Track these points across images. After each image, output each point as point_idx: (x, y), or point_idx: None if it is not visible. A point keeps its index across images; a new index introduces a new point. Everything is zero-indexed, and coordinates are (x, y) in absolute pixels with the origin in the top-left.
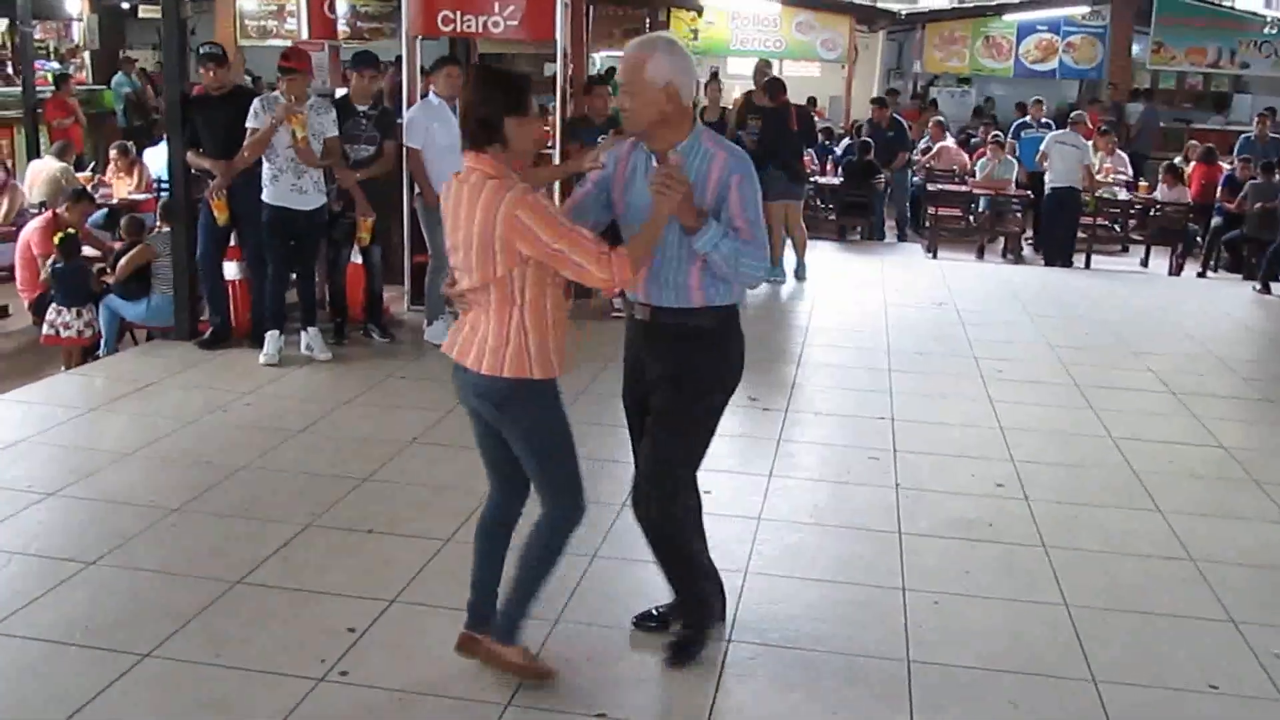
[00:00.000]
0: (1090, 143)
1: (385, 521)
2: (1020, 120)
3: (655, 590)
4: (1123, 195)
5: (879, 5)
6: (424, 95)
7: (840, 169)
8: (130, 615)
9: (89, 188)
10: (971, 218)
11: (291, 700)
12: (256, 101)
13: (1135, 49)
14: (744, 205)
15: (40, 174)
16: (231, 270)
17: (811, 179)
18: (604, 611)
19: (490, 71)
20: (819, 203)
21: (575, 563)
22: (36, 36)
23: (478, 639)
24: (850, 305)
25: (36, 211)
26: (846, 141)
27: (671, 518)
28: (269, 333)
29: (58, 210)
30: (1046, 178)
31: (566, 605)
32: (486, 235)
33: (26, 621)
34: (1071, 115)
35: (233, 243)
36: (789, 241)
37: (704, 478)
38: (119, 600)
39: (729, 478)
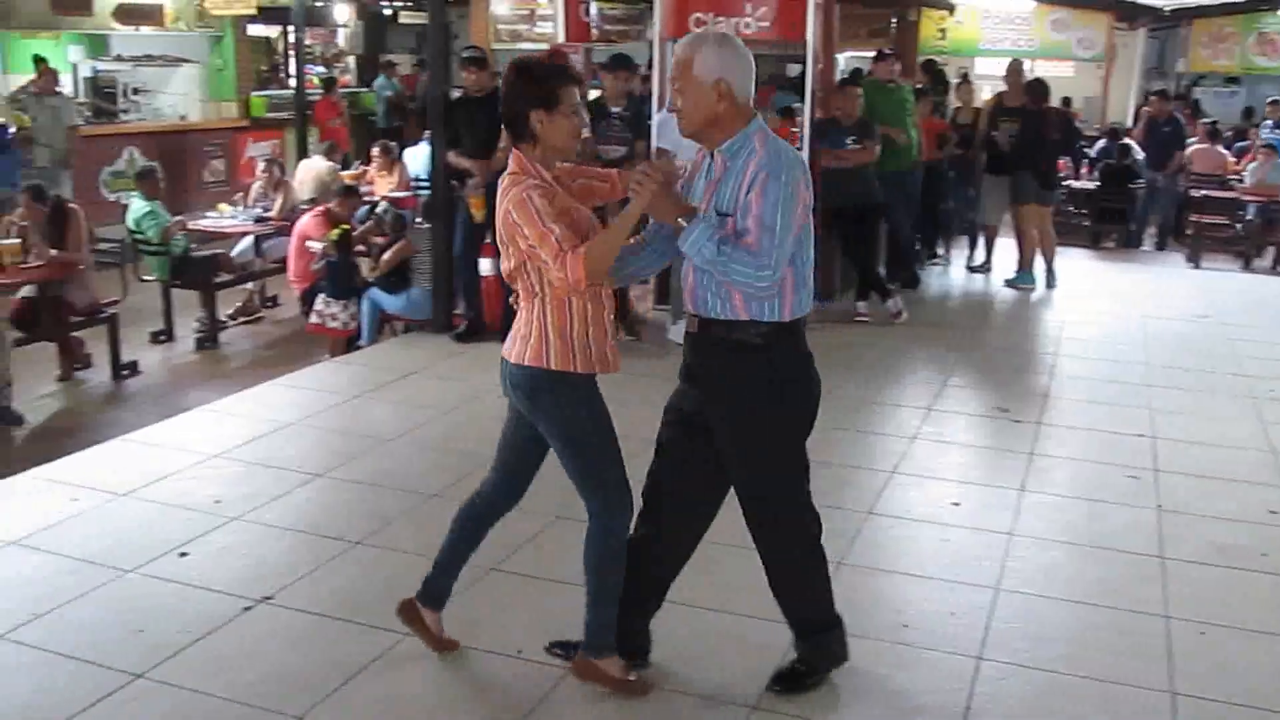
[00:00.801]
0: None
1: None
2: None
3: (900, 601)
4: None
5: (1140, 1)
6: None
7: (1096, 172)
8: (391, 594)
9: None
10: (1239, 226)
11: (542, 686)
12: (661, 115)
13: None
14: (760, 206)
15: (309, 172)
16: (486, 266)
17: (1064, 183)
18: (847, 616)
19: (520, 65)
20: (1072, 208)
21: None
22: (305, 43)
23: (416, 607)
24: (1105, 315)
25: (306, 208)
26: (1103, 143)
27: (781, 546)
28: None
29: (330, 206)
30: None
31: None
32: (501, 230)
33: (298, 594)
34: None
35: (488, 240)
36: (1025, 248)
37: (953, 489)
38: (381, 579)
39: (979, 490)
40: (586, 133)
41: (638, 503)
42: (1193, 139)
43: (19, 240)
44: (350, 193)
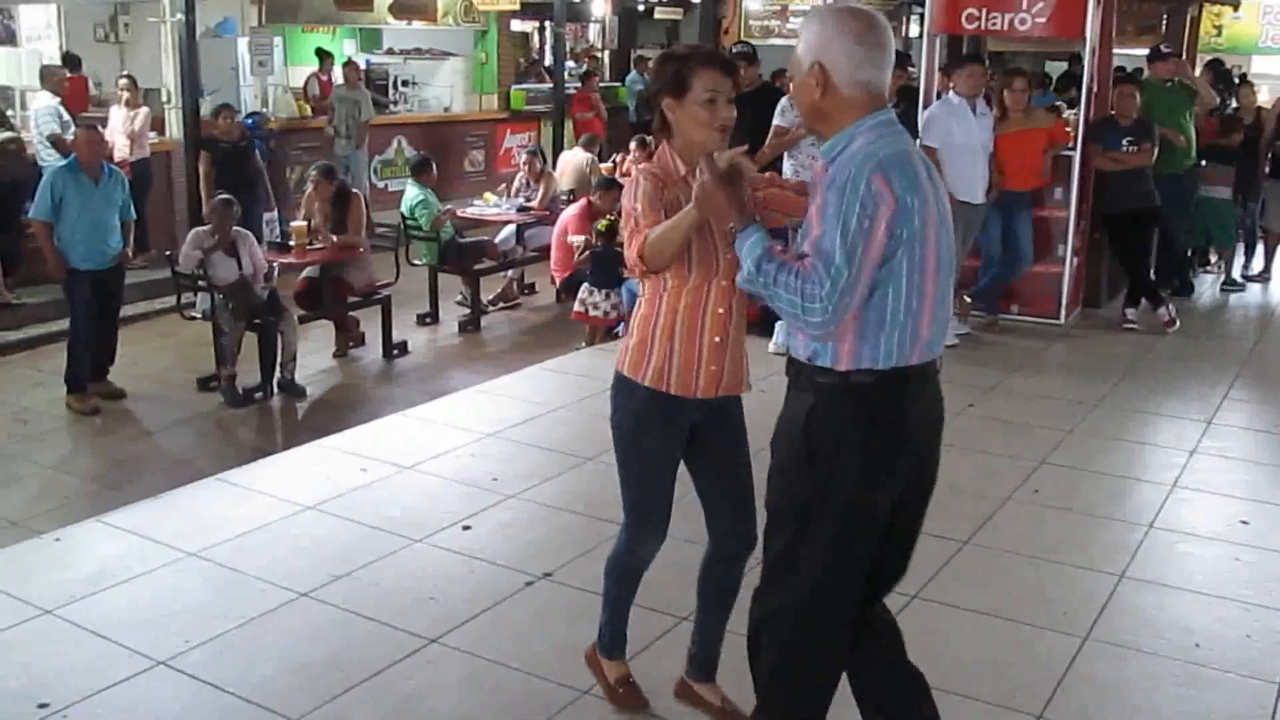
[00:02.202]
0: None
1: None
2: None
3: (1191, 619)
4: None
5: None
6: (940, 95)
7: None
8: (664, 576)
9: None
10: None
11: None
12: (784, 99)
13: None
14: (820, 225)
15: (569, 164)
16: None
17: None
18: (1134, 632)
19: (665, 51)
20: None
21: (1103, 581)
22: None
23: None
24: None
25: (566, 199)
26: None
27: (766, 682)
28: (779, 322)
29: (590, 198)
30: None
31: (1095, 624)
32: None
33: (575, 572)
34: None
35: None
36: None
37: (1241, 506)
38: (656, 564)
39: (1270, 509)
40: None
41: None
42: None
43: (306, 223)
44: (611, 184)
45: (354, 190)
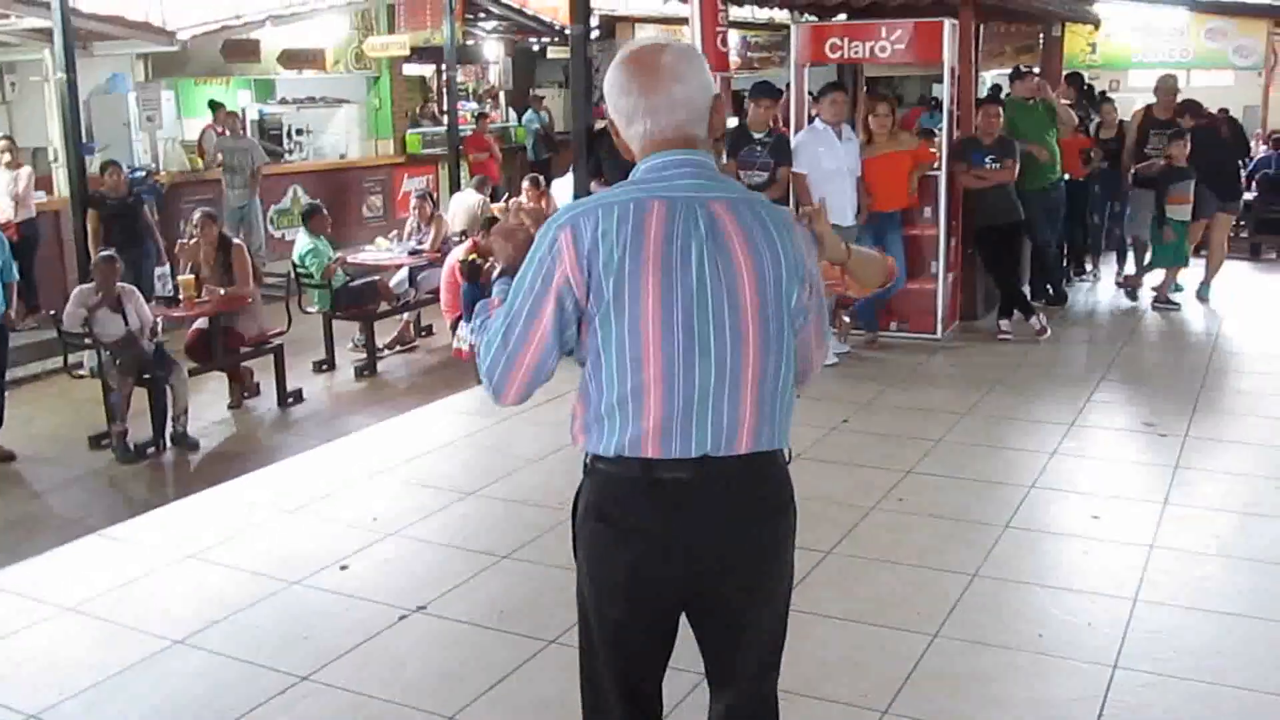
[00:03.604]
0: None
1: None
2: None
3: (1038, 611)
4: None
5: None
6: (810, 121)
7: (1256, 183)
8: (539, 604)
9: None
10: None
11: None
12: None
13: None
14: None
15: (462, 205)
16: None
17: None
18: (983, 626)
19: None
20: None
21: (958, 580)
22: (457, 80)
23: None
24: (1262, 328)
25: (458, 240)
26: (1263, 152)
27: None
28: None
29: (476, 239)
30: None
31: (945, 621)
32: None
33: (451, 604)
34: None
35: None
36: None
37: (1094, 503)
38: (529, 590)
39: (1121, 504)
40: (722, 159)
41: None
42: None
43: (193, 276)
44: (492, 224)
45: (236, 241)
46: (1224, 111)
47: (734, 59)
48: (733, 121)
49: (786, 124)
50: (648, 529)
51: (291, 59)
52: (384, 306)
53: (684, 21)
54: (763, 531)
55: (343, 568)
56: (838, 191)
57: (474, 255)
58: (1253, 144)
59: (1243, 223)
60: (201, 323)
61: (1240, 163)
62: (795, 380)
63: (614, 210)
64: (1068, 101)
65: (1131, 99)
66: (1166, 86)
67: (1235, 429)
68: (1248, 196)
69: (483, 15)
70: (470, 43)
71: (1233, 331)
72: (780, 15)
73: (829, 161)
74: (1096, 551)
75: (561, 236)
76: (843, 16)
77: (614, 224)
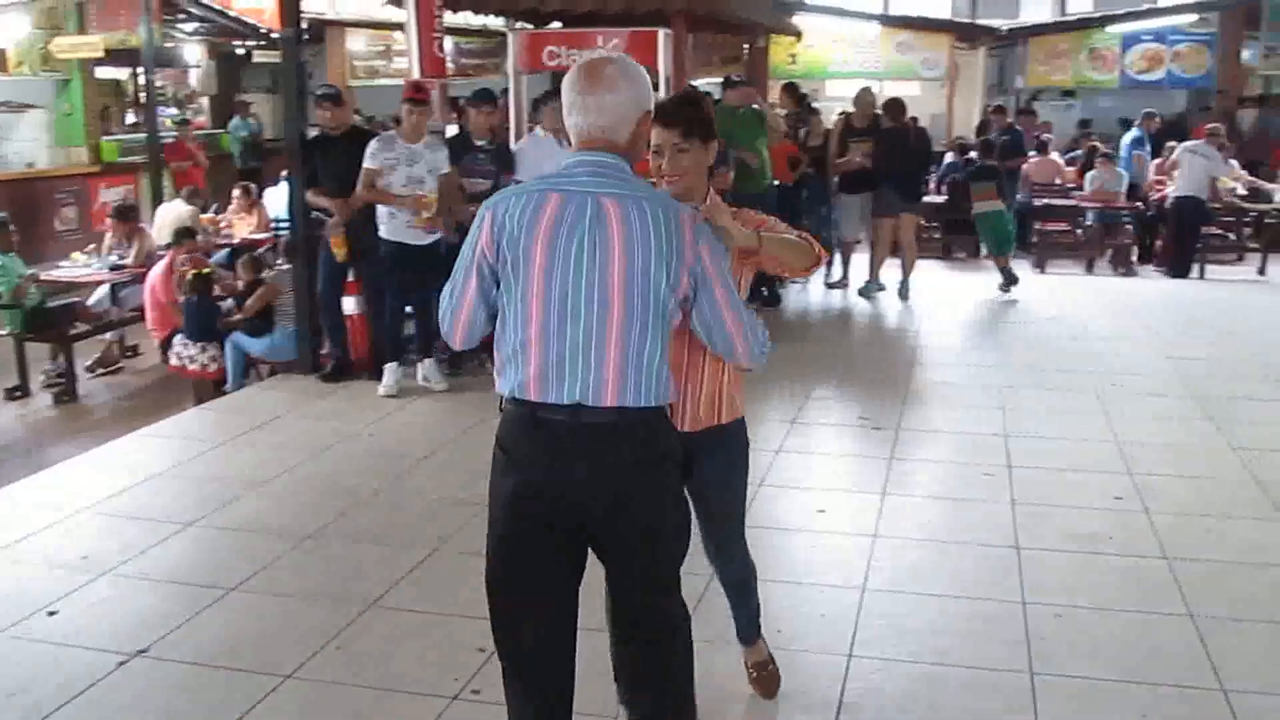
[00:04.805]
0: (1220, 155)
1: None
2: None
3: (773, 607)
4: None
5: (979, 22)
6: (530, 129)
7: (944, 187)
8: (272, 638)
9: (211, 228)
10: (1080, 231)
11: (427, 718)
12: (374, 142)
13: (1245, 55)
14: None
15: (169, 216)
16: (350, 305)
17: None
18: (720, 626)
19: None
20: (923, 221)
21: (695, 583)
22: (157, 84)
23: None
24: (959, 322)
25: (164, 254)
26: (950, 159)
27: None
28: (388, 365)
29: (194, 253)
30: (1171, 186)
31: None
32: None
33: (175, 645)
34: (1208, 128)
35: (350, 278)
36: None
37: (819, 498)
38: (261, 624)
39: (844, 497)
40: (448, 167)
41: None
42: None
43: None
44: (189, 235)
45: None
46: (914, 120)
47: (448, 65)
48: (453, 129)
49: (506, 131)
50: (530, 461)
51: None
52: (83, 326)
53: (397, 27)
54: (630, 478)
55: (51, 613)
56: None
57: (200, 269)
58: (951, 153)
59: (935, 224)
60: None
61: (924, 168)
62: (731, 360)
63: (522, 198)
64: (784, 111)
65: (831, 107)
66: (864, 100)
67: (941, 420)
68: (938, 200)
69: (183, 16)
70: (170, 45)
71: (932, 328)
72: (494, 22)
73: (550, 169)
74: (824, 544)
75: (485, 216)
76: (557, 24)
77: (519, 209)
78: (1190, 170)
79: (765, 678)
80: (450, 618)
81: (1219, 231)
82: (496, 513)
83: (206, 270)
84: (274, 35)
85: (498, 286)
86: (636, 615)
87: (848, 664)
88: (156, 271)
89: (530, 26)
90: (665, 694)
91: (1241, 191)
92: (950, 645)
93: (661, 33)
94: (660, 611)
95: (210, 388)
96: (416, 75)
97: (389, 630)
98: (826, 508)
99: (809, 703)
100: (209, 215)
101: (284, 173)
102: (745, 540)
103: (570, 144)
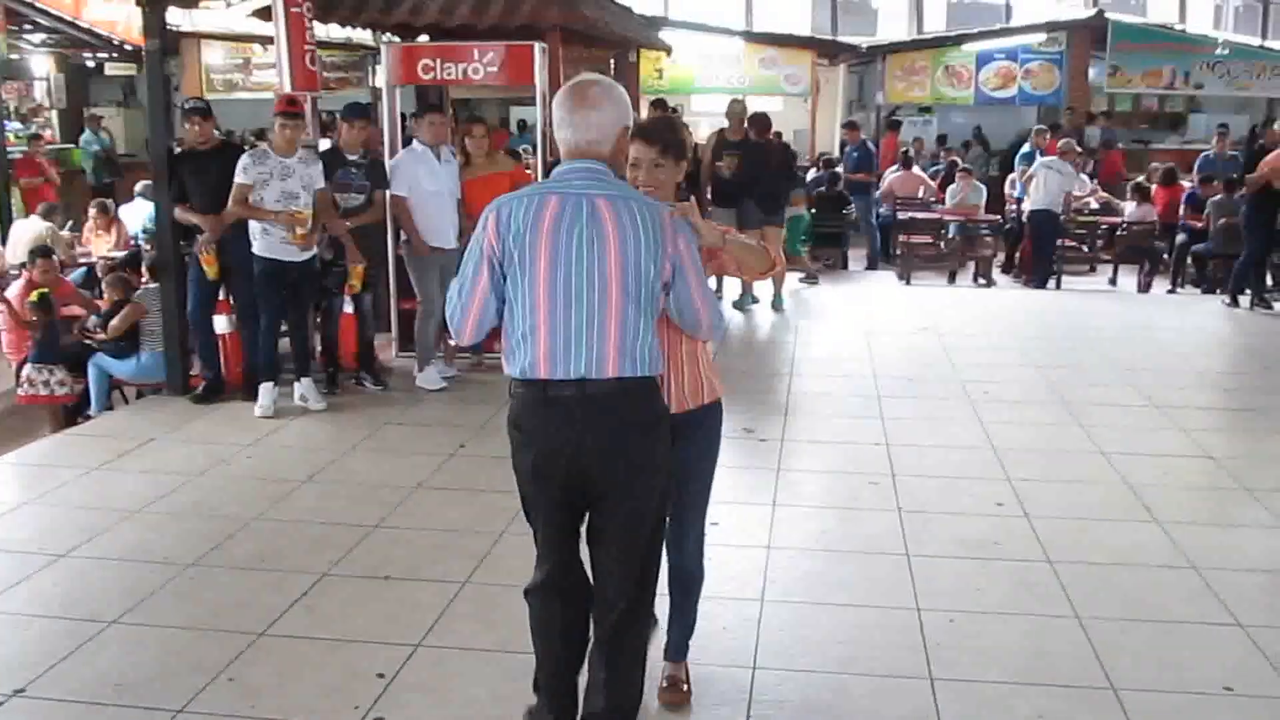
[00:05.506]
0: (1074, 169)
1: (402, 567)
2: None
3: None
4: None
5: (840, 39)
6: (407, 143)
7: (811, 200)
8: (159, 671)
9: (66, 246)
10: (943, 244)
11: None
12: (246, 156)
13: (1092, 73)
14: None
15: (25, 235)
16: (221, 324)
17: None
18: None
19: None
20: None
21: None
22: (1, 97)
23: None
24: (833, 334)
25: (17, 274)
26: (814, 173)
27: None
28: (263, 385)
29: (33, 274)
30: (1026, 200)
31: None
32: None
33: (55, 683)
34: (1061, 143)
35: (221, 296)
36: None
37: (711, 510)
38: (146, 657)
39: (736, 509)
40: (322, 182)
41: None
42: (892, 170)
43: None
44: (46, 253)
45: None
46: (778, 135)
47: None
48: (325, 143)
49: (380, 145)
50: (545, 436)
51: None
52: None
53: (258, 40)
54: (628, 434)
55: None
56: (438, 213)
57: (41, 290)
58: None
59: (804, 237)
60: None
61: (790, 181)
62: (695, 334)
63: (524, 200)
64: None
65: (697, 123)
66: (735, 111)
67: (824, 430)
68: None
69: (29, 27)
70: (15, 57)
71: (807, 338)
72: (359, 35)
73: (429, 183)
74: (720, 557)
75: (490, 217)
76: (425, 38)
77: (522, 210)
78: (1046, 184)
79: (678, 694)
80: (346, 644)
81: (1073, 244)
82: (522, 480)
83: (44, 291)
84: (128, 47)
85: (504, 280)
86: (614, 559)
87: (753, 676)
88: (11, 293)
89: (398, 40)
90: (615, 669)
91: (1094, 205)
92: (852, 654)
93: (538, 47)
94: (633, 598)
95: (66, 413)
96: (288, 89)
97: (282, 660)
98: (719, 520)
99: (718, 716)
100: (64, 233)
101: (138, 187)
102: (703, 537)
103: (439, 157)
